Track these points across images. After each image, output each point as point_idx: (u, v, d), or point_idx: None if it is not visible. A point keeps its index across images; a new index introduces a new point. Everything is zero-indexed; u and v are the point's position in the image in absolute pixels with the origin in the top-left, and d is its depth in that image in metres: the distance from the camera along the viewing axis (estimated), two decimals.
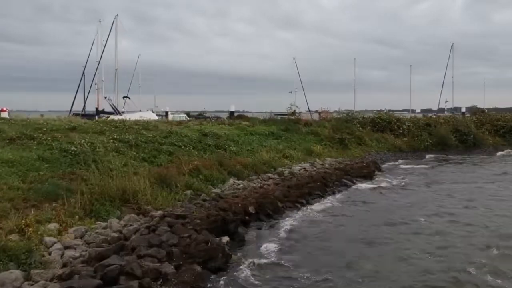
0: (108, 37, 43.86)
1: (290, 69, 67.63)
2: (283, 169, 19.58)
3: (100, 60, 48.46)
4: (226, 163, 17.79)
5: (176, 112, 65.70)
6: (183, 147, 19.55)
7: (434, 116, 39.02)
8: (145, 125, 23.18)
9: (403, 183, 20.20)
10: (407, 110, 71.43)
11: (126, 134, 19.65)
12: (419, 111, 70.38)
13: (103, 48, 46.10)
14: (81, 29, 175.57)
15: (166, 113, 54.07)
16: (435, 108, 68.87)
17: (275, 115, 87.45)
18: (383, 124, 32.68)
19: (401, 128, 32.83)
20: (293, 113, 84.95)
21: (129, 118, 36.16)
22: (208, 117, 50.95)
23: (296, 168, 20.43)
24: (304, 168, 20.57)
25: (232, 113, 39.26)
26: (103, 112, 44.85)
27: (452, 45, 72.78)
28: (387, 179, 21.18)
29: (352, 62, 68.69)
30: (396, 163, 26.63)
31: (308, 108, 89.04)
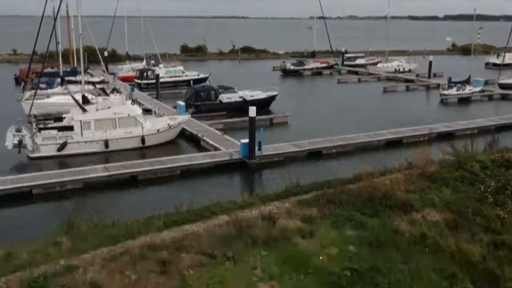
0: None
1: None
2: None
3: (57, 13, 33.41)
4: None
5: (170, 66, 50.25)
6: None
7: None
8: None
9: None
10: None
11: None
12: None
13: None
14: None
15: (157, 104, 34.32)
16: None
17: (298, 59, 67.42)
18: None
19: None
20: (314, 53, 66.98)
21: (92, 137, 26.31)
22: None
23: None
24: None
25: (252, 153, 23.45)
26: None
27: None
28: None
29: None
30: None
31: (331, 48, 69.96)
